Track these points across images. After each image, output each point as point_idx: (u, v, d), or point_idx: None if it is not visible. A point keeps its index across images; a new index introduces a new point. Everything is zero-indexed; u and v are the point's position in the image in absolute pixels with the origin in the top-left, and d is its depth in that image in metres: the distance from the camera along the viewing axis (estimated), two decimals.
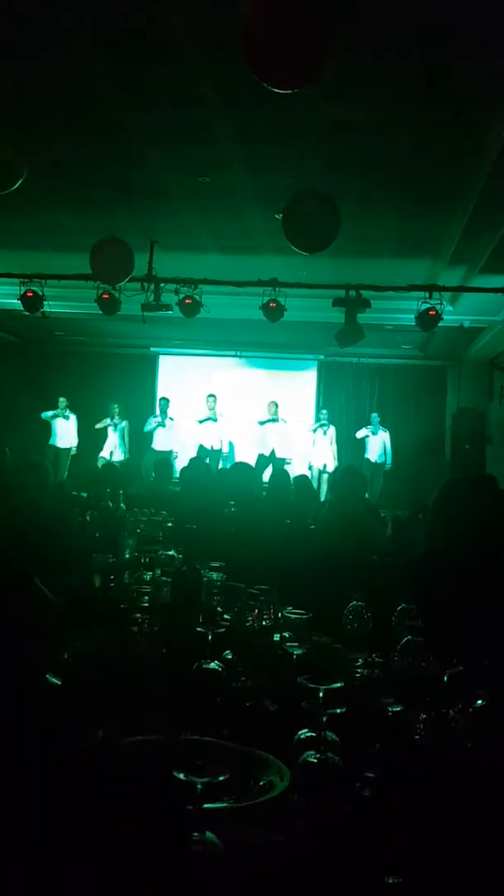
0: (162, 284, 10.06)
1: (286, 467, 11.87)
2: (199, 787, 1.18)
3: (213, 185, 7.61)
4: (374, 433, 14.09)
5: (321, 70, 3.88)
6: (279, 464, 12.91)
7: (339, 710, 1.54)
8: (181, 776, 1.17)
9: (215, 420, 13.81)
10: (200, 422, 13.80)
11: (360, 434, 14.22)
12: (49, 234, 9.53)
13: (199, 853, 1.18)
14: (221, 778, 1.18)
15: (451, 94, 5.55)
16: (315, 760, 1.52)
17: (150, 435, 13.83)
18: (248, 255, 9.79)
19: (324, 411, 14.56)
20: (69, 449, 13.90)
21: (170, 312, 10.19)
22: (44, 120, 6.27)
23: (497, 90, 5.41)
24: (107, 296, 10.17)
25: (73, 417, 14.04)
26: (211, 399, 13.85)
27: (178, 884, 1.15)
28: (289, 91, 4.11)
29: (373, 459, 13.94)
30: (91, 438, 13.99)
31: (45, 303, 10.39)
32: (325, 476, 13.44)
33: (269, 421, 13.75)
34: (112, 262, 8.29)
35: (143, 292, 10.02)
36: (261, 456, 13.37)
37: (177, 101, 5.88)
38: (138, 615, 2.57)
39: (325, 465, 13.69)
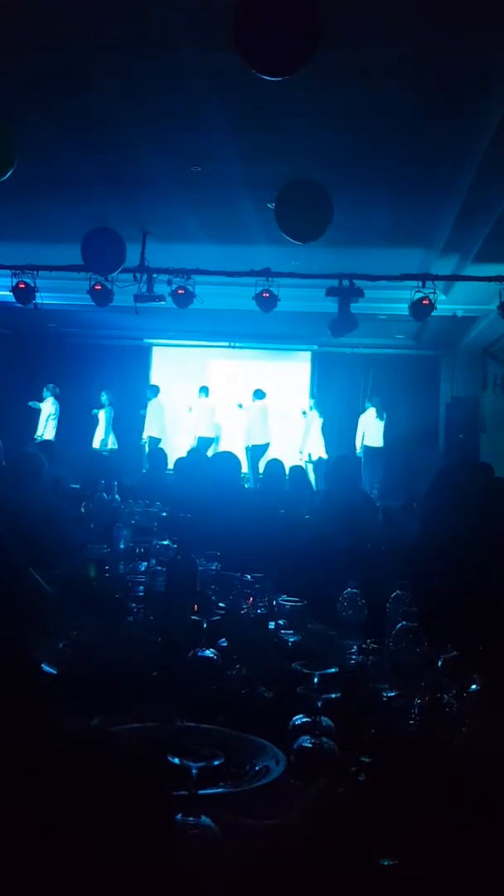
0: (154, 275, 10.03)
1: (269, 452, 11.94)
2: (194, 771, 1.18)
3: (204, 174, 7.58)
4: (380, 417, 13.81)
5: (311, 57, 3.87)
6: (260, 450, 12.92)
7: (333, 696, 1.55)
8: (176, 761, 1.18)
9: (210, 411, 13.84)
10: (189, 410, 13.88)
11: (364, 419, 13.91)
12: (40, 225, 9.48)
13: (195, 838, 1.19)
14: (216, 762, 1.19)
15: (443, 81, 5.53)
16: (310, 745, 1.53)
17: (142, 422, 13.87)
18: (240, 245, 9.76)
19: (311, 400, 14.41)
20: (51, 440, 13.56)
21: (162, 303, 10.16)
22: (34, 109, 6.23)
23: (488, 78, 5.40)
24: (99, 287, 10.14)
25: (54, 407, 13.55)
26: (204, 391, 13.88)
27: (172, 868, 1.16)
28: (280, 78, 4.10)
29: (371, 444, 13.70)
30: (85, 429, 13.88)
31: (38, 294, 10.36)
32: (311, 465, 13.25)
33: (250, 405, 13.70)
34: None
35: (135, 283, 10.00)
36: (246, 448, 13.40)
37: (168, 89, 5.84)
38: (134, 604, 2.58)
39: (309, 455, 13.56)
